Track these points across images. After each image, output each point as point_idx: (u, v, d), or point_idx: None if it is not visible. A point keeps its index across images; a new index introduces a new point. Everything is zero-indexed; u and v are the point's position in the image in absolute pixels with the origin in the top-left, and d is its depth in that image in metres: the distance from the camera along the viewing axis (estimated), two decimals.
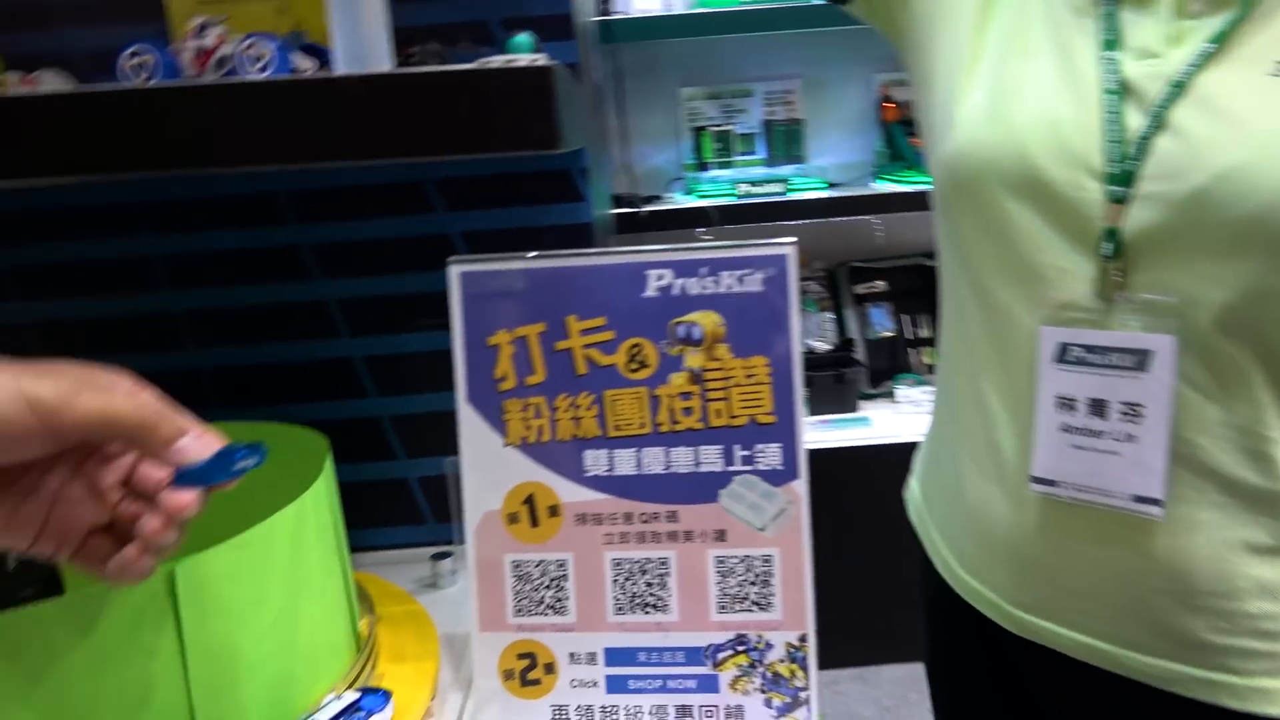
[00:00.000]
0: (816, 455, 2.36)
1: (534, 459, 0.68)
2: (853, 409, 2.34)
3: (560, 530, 0.68)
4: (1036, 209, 0.62)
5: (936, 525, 0.79)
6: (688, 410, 0.67)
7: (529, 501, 0.68)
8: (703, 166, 2.54)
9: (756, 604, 0.67)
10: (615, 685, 0.68)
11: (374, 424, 1.03)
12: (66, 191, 0.96)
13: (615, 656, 0.68)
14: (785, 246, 0.67)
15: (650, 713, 0.68)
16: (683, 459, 0.68)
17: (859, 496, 2.16)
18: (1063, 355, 0.62)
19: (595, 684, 0.69)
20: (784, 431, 0.67)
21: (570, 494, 0.68)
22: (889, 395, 2.40)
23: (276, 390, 1.02)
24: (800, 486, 0.67)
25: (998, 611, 0.70)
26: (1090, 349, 0.61)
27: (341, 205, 0.98)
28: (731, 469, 0.67)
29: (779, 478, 0.67)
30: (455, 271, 0.69)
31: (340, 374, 1.02)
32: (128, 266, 0.99)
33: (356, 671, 0.69)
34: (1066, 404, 0.62)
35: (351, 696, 0.64)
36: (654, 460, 0.68)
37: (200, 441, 0.42)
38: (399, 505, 1.04)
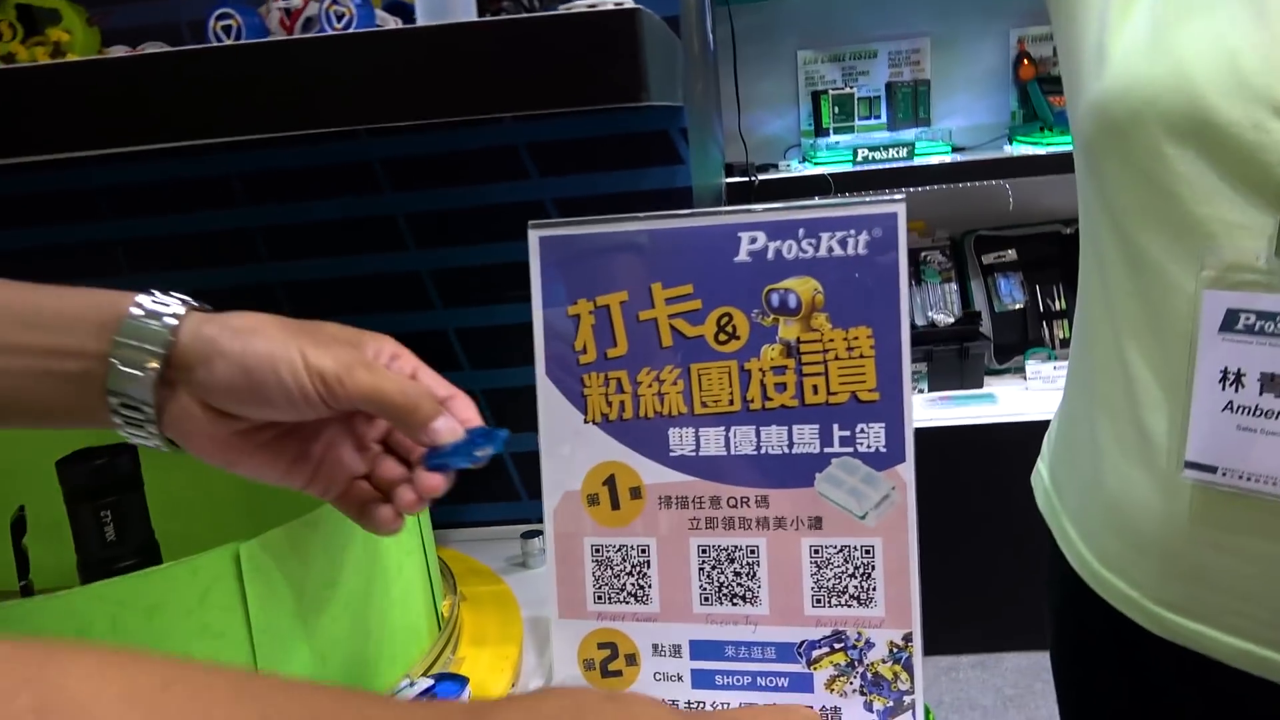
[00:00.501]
0: (938, 433, 2.24)
1: (615, 437, 0.64)
2: (978, 385, 2.22)
3: (642, 513, 0.64)
4: (1203, 153, 0.54)
5: (1069, 514, 0.71)
6: (781, 386, 0.62)
7: (609, 482, 0.64)
8: (821, 132, 2.44)
9: (856, 599, 0.61)
10: (701, 680, 0.64)
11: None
12: (169, 164, 0.98)
13: (701, 650, 0.64)
14: (893, 204, 0.60)
15: None
16: (775, 439, 0.62)
17: (983, 477, 2.04)
18: (1230, 323, 0.54)
19: (680, 678, 0.64)
20: (889, 410, 0.60)
21: (653, 475, 0.64)
22: (1018, 371, 2.26)
23: None
24: (906, 471, 0.61)
25: (1138, 610, 0.63)
26: (1265, 316, 0.53)
27: (435, 172, 0.96)
28: (829, 451, 0.61)
29: (883, 461, 0.61)
30: (535, 236, 0.65)
31: (434, 346, 1.00)
32: (228, 238, 0.99)
33: (435, 655, 0.67)
34: (1233, 379, 0.54)
35: (425, 684, 0.61)
36: (744, 440, 0.62)
37: (449, 426, 0.46)
38: (493, 481, 1.02)
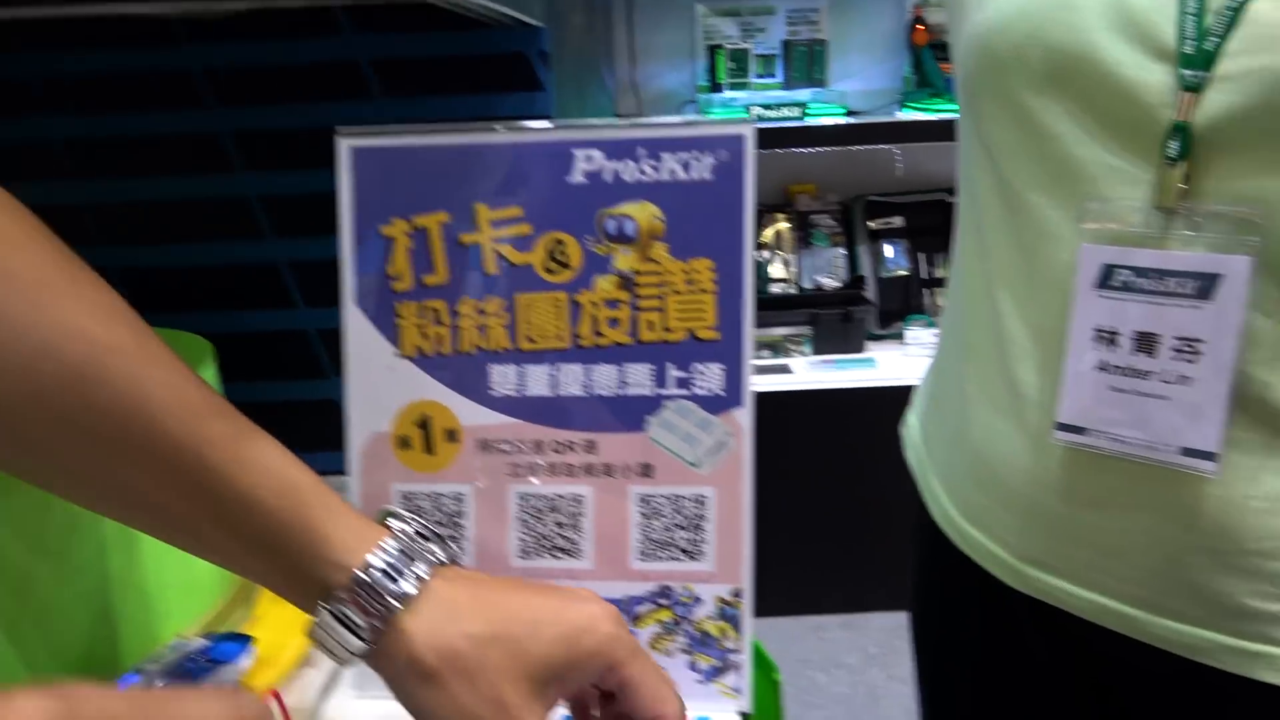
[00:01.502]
0: (818, 396, 2.23)
1: (431, 374, 0.58)
2: (859, 349, 2.23)
3: (458, 458, 0.58)
4: (1086, 92, 0.51)
5: (935, 466, 0.69)
6: (614, 321, 0.56)
7: (423, 424, 0.58)
8: (716, 88, 2.39)
9: (685, 552, 0.57)
10: None
11: (301, 337, 0.92)
12: None
13: None
14: (741, 125, 0.55)
15: None
16: (606, 379, 0.57)
17: (860, 440, 2.06)
18: (1106, 279, 0.51)
19: None
20: (728, 350, 0.56)
21: (472, 416, 0.58)
22: (898, 337, 2.27)
23: (195, 296, 0.91)
24: (744, 416, 0.56)
25: (1000, 565, 0.61)
26: (1142, 272, 0.50)
27: (266, 87, 0.87)
28: (663, 393, 0.56)
29: (719, 405, 0.56)
30: (345, 145, 0.58)
31: (264, 282, 0.91)
32: (30, 154, 0.88)
33: (225, 613, 0.60)
34: (1107, 338, 0.52)
35: (200, 644, 0.55)
36: (572, 380, 0.57)
37: None
38: (329, 427, 0.95)
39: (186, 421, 0.38)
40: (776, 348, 2.23)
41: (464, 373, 0.58)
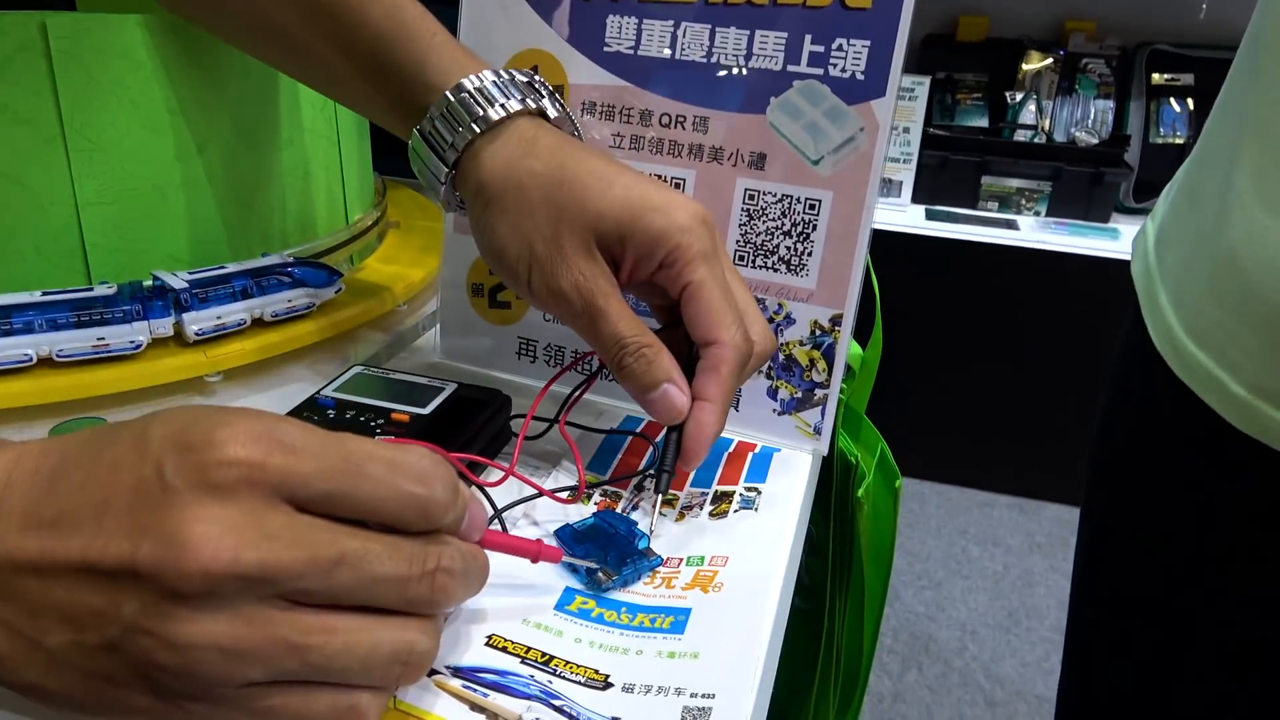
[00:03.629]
0: (1040, 257, 1.99)
1: (546, 19, 0.52)
2: (1104, 219, 1.97)
3: None
4: None
5: (1165, 275, 0.55)
6: None
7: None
8: None
9: (786, 263, 0.50)
10: None
11: None
12: None
13: None
14: None
15: None
16: (732, 46, 0.49)
17: (1072, 316, 1.85)
18: None
19: None
20: (881, 23, 0.46)
21: (581, 74, 0.52)
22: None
23: None
24: (883, 110, 0.47)
25: (1223, 398, 0.48)
26: None
27: None
28: (794, 70, 0.48)
29: (857, 92, 0.47)
30: None
31: None
32: None
33: (327, 251, 0.59)
34: None
35: (288, 260, 0.54)
36: (694, 42, 0.50)
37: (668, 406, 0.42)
38: None
39: None
40: (1006, 200, 2.01)
41: (580, 21, 0.52)
